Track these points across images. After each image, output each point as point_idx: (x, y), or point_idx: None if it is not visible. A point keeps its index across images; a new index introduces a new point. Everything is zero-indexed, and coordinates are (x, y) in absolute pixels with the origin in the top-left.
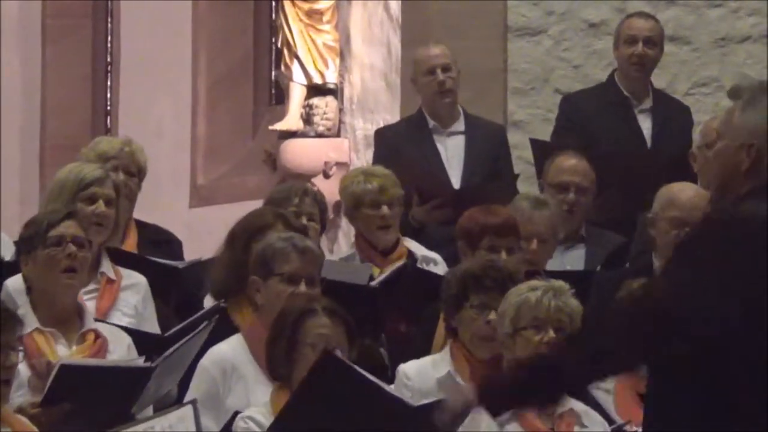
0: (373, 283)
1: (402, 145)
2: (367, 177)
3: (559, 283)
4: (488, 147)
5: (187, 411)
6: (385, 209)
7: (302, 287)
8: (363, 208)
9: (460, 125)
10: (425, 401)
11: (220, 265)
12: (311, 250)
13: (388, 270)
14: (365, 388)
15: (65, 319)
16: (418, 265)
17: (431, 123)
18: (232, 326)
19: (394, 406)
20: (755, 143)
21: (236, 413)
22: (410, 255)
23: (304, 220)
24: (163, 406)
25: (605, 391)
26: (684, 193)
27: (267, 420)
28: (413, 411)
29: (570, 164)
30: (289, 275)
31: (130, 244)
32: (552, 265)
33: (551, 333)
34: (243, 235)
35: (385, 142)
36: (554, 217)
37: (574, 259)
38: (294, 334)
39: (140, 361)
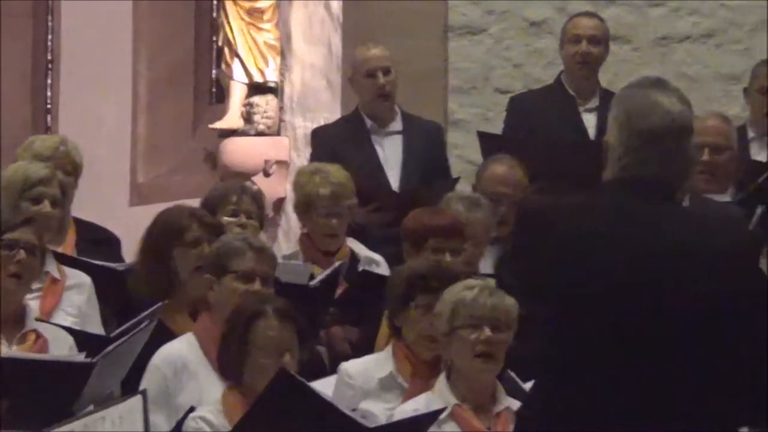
0: (313, 283)
1: (339, 146)
2: (323, 180)
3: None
4: (426, 146)
5: (135, 402)
6: (334, 221)
7: (257, 285)
8: (313, 213)
9: (397, 125)
10: (380, 423)
11: (141, 273)
12: (266, 250)
13: (328, 269)
14: (320, 408)
15: (6, 319)
16: (361, 267)
17: (369, 123)
18: (168, 331)
19: (349, 426)
20: (605, 140)
21: (192, 409)
22: (353, 255)
23: (243, 219)
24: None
25: None
26: None
27: (217, 419)
28: (367, 431)
29: (502, 173)
30: (244, 273)
31: (69, 243)
32: (483, 265)
33: (487, 332)
34: (161, 240)
35: (322, 142)
36: (488, 217)
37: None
38: (244, 336)
39: (81, 357)
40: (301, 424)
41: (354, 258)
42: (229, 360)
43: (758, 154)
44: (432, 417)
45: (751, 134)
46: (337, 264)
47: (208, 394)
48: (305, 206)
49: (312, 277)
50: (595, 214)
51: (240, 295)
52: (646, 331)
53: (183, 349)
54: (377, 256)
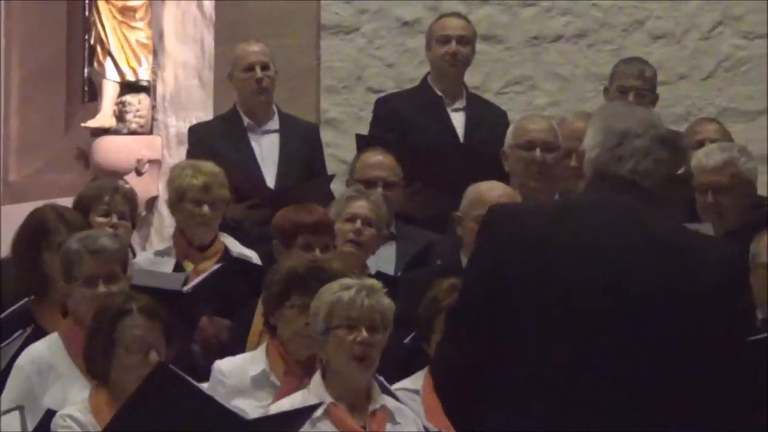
0: (186, 288)
1: (216, 143)
2: (195, 172)
3: (372, 282)
4: (302, 146)
5: (12, 418)
6: (206, 208)
7: (101, 288)
8: (185, 203)
9: (274, 124)
10: (259, 415)
11: (12, 271)
12: (104, 249)
13: (202, 275)
14: (198, 401)
15: None
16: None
17: (246, 121)
18: (41, 330)
19: (227, 418)
20: (581, 147)
21: (49, 411)
22: (226, 251)
23: (114, 218)
24: None
25: (413, 391)
26: (491, 192)
27: (86, 418)
28: (245, 424)
29: (376, 160)
30: (85, 278)
31: None
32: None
33: (364, 333)
34: (30, 241)
35: (199, 139)
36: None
37: (384, 256)
38: (110, 335)
39: None
40: (179, 417)
41: (227, 254)
42: (95, 359)
43: None
44: (308, 411)
45: None
46: (213, 268)
47: (73, 395)
48: (177, 198)
49: (186, 282)
50: (575, 214)
51: (88, 301)
52: (623, 336)
53: (48, 349)
54: (251, 252)
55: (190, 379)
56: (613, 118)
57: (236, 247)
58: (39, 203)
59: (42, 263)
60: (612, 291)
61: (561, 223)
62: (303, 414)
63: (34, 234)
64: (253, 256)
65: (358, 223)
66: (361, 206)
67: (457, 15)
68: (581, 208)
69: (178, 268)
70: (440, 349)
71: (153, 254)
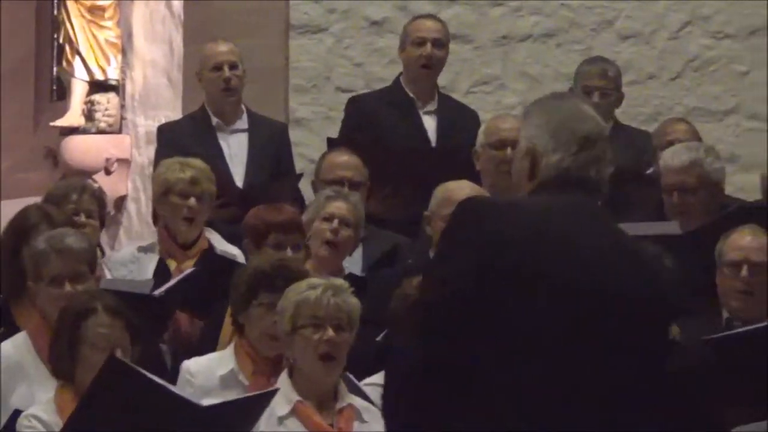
0: (158, 292)
1: (185, 143)
2: (183, 166)
3: (338, 281)
4: (271, 145)
5: None
6: (192, 201)
7: (67, 287)
8: (171, 196)
9: (243, 123)
10: (214, 402)
11: None
12: (69, 248)
13: (175, 278)
14: (152, 391)
15: None
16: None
17: (215, 120)
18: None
19: (183, 407)
20: (531, 146)
21: (16, 411)
22: (209, 249)
23: (82, 218)
24: None
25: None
26: (460, 191)
27: (51, 418)
28: (202, 411)
29: (342, 160)
30: (52, 278)
31: None
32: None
33: (330, 332)
34: (11, 238)
35: (168, 138)
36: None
37: (352, 257)
38: (75, 334)
39: None
40: (135, 409)
41: (204, 254)
42: (60, 358)
43: None
44: (265, 398)
45: None
46: (186, 272)
47: (40, 395)
48: (163, 192)
49: (154, 288)
50: (547, 214)
51: (54, 301)
52: (591, 336)
53: (15, 349)
54: (236, 250)
55: (141, 370)
56: (570, 121)
57: (221, 244)
58: (8, 202)
59: (21, 262)
60: (592, 294)
61: (547, 223)
62: (260, 400)
63: (16, 232)
64: (237, 253)
65: (336, 223)
66: (338, 206)
67: (433, 17)
68: (562, 210)
69: (161, 265)
70: (406, 344)
71: (136, 250)
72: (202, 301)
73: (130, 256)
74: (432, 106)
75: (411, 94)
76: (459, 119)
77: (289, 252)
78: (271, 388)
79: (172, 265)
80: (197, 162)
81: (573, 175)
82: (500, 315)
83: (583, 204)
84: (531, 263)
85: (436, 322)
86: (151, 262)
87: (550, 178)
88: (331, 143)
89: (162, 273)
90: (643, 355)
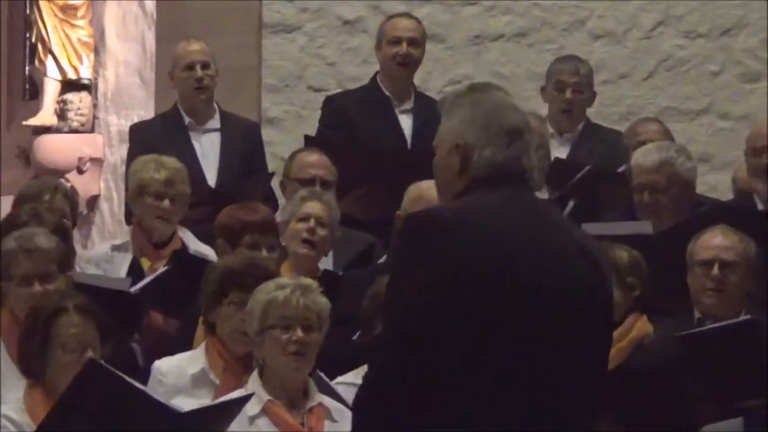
0: (134, 289)
1: (157, 142)
2: (158, 166)
3: (307, 281)
4: (243, 144)
5: None
6: (166, 202)
7: (36, 287)
8: (146, 197)
9: (215, 122)
10: (189, 402)
11: None
12: (38, 248)
13: (150, 276)
14: (131, 396)
15: None
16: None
17: (187, 120)
18: None
19: (160, 412)
20: (461, 142)
21: None
22: (182, 249)
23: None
24: None
25: (355, 385)
26: (432, 190)
27: (20, 417)
28: (180, 417)
29: (314, 159)
30: (21, 278)
31: None
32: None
33: (299, 332)
34: None
35: (140, 138)
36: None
37: (325, 258)
38: (45, 333)
39: None
40: (112, 413)
41: (177, 253)
42: (30, 357)
43: (556, 151)
44: (240, 402)
45: (550, 130)
46: (161, 270)
47: (10, 394)
48: (138, 191)
49: (133, 284)
50: (495, 216)
51: (23, 300)
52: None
53: None
54: (209, 250)
55: (121, 374)
56: (497, 114)
57: (194, 244)
58: None
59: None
60: (555, 292)
61: (497, 226)
62: (235, 405)
63: (3, 230)
64: (210, 253)
65: (312, 222)
66: (314, 206)
67: (409, 16)
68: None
69: (135, 264)
70: (384, 373)
71: (110, 249)
72: (175, 301)
73: (104, 254)
74: (408, 105)
75: (387, 93)
76: (435, 118)
77: (264, 253)
78: (246, 394)
79: (145, 264)
80: (172, 161)
81: (506, 169)
82: (468, 328)
83: (526, 200)
84: (491, 269)
85: (410, 349)
86: (125, 261)
87: (484, 174)
88: (308, 141)
89: (136, 272)
90: (602, 347)
